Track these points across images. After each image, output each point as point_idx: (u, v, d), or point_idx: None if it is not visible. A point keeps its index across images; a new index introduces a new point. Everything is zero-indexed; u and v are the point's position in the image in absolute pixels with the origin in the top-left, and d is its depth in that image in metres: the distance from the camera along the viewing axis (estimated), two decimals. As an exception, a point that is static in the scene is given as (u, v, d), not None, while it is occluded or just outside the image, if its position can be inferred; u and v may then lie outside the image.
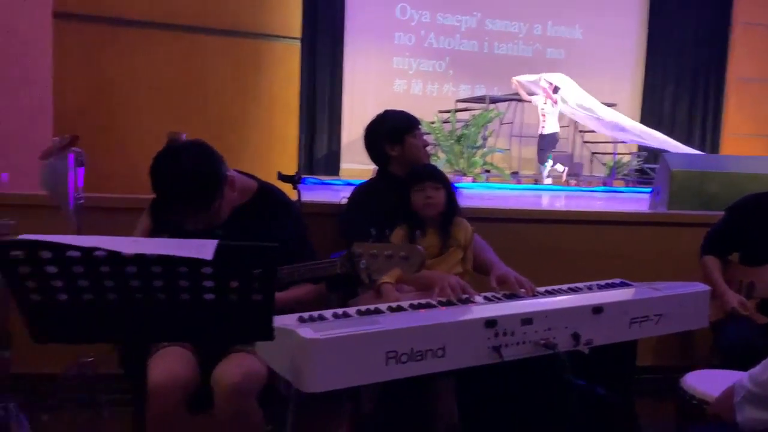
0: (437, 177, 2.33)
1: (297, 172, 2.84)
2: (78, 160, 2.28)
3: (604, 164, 11.11)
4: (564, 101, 9.87)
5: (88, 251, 1.19)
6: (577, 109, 10.08)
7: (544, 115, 9.73)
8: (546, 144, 9.74)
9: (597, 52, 11.87)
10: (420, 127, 2.62)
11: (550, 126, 9.70)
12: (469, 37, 11.66)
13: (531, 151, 10.70)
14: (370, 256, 1.70)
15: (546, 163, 9.80)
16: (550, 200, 7.34)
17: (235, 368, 1.86)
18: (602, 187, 10.00)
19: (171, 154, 1.94)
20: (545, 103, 9.70)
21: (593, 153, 11.48)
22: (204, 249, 1.22)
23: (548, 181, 9.82)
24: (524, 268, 2.30)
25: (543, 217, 3.33)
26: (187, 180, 1.89)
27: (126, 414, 2.37)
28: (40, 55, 3.76)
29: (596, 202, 7.24)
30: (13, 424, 2.14)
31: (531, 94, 9.86)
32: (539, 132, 9.81)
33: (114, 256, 1.20)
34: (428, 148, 2.65)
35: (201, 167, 1.92)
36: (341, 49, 10.74)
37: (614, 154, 10.97)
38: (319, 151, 10.68)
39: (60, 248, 1.18)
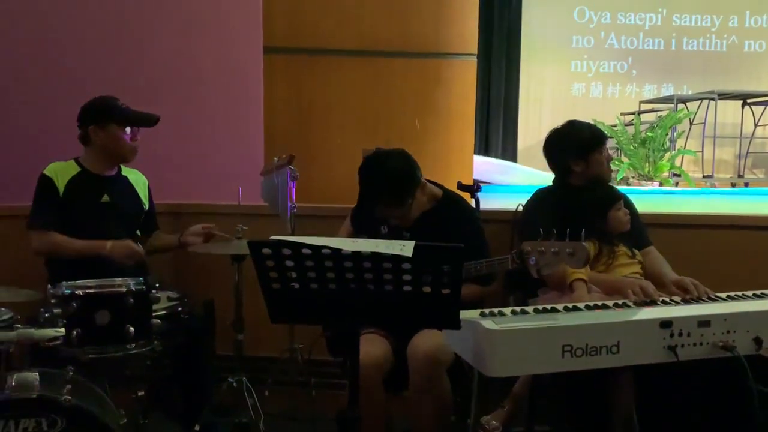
0: (614, 199, 2.44)
1: (475, 182, 3.05)
2: (293, 176, 2.71)
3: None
4: None
5: (317, 249, 1.51)
6: None
7: None
8: None
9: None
10: (606, 141, 2.58)
11: None
12: (654, 35, 11.09)
13: (727, 152, 9.90)
14: (538, 252, 1.87)
15: None
16: (746, 206, 6.79)
17: (427, 340, 2.14)
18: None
19: (378, 157, 2.36)
20: None
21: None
22: (405, 248, 1.49)
23: None
24: (711, 274, 2.29)
25: (735, 223, 3.18)
26: (389, 177, 2.27)
27: (331, 395, 2.75)
28: (252, 85, 4.37)
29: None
30: (246, 395, 2.59)
31: None
32: None
33: (336, 253, 1.51)
34: (611, 152, 2.65)
35: (401, 169, 2.29)
36: (517, 56, 10.77)
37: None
38: (493, 157, 10.80)
39: (297, 246, 1.51)
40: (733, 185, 9.35)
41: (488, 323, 1.78)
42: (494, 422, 2.24)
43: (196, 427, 2.51)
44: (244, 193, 3.55)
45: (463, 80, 4.80)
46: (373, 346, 2.18)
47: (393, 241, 1.53)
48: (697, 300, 2.08)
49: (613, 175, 2.66)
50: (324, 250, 1.51)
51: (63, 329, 1.90)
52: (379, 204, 2.32)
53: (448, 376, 2.19)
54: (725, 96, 9.59)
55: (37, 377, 1.78)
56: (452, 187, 2.72)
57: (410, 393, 2.18)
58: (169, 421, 2.67)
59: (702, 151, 9.55)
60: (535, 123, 10.57)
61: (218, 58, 4.15)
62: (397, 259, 1.51)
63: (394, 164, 2.30)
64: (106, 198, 2.65)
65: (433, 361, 2.12)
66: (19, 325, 1.96)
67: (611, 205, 2.39)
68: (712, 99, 9.48)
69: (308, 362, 2.85)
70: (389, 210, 2.32)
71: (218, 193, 3.46)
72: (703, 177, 9.43)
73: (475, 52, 4.75)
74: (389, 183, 2.27)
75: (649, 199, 6.43)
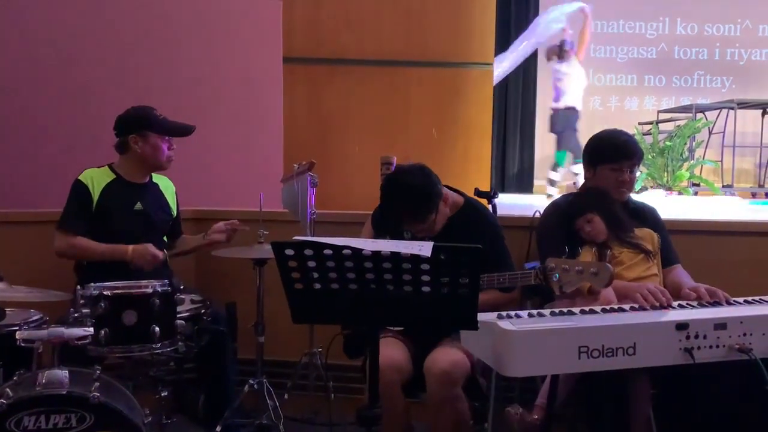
0: (588, 209, 2.40)
1: (492, 189, 3.08)
2: (313, 182, 2.76)
3: None
4: None
5: (338, 249, 1.55)
6: None
7: (558, 80, 7.06)
8: (561, 125, 7.07)
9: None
10: (628, 162, 2.43)
11: (569, 96, 7.06)
12: (672, 45, 11.07)
13: (747, 162, 9.81)
14: (562, 270, 1.90)
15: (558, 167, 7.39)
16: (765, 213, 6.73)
17: (444, 357, 2.17)
18: None
19: (400, 174, 2.38)
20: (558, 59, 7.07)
21: None
22: (423, 248, 1.53)
23: (553, 191, 7.19)
24: (730, 281, 2.29)
25: (754, 230, 3.18)
26: (411, 196, 2.29)
27: (350, 399, 2.79)
28: (272, 94, 4.45)
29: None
30: (266, 397, 2.64)
31: None
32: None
33: (356, 253, 1.55)
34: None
35: (421, 186, 2.31)
36: (534, 66, 10.80)
37: None
38: (510, 168, 10.80)
39: (319, 247, 1.56)
40: (754, 195, 9.26)
41: (506, 324, 1.81)
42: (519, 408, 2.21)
43: (218, 429, 2.56)
44: (264, 200, 3.61)
45: (480, 89, 4.85)
46: (392, 350, 2.21)
47: (410, 242, 1.57)
48: (714, 303, 2.09)
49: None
50: (345, 251, 1.55)
51: (92, 329, 1.95)
52: (403, 220, 2.38)
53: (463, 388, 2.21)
54: (744, 105, 9.52)
55: (67, 375, 1.84)
56: (469, 194, 2.76)
57: (429, 407, 2.20)
58: (192, 422, 2.72)
59: (721, 161, 9.48)
60: (552, 134, 10.57)
61: (239, 69, 4.24)
62: (416, 259, 1.55)
63: (414, 182, 2.31)
64: (139, 206, 2.71)
65: (450, 380, 2.14)
66: (45, 326, 2.03)
67: (573, 220, 2.39)
68: (731, 108, 9.42)
69: (327, 366, 2.89)
70: (413, 225, 2.37)
71: (239, 200, 3.53)
72: (723, 186, 9.36)
73: (492, 61, 4.80)
74: (410, 201, 2.30)
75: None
